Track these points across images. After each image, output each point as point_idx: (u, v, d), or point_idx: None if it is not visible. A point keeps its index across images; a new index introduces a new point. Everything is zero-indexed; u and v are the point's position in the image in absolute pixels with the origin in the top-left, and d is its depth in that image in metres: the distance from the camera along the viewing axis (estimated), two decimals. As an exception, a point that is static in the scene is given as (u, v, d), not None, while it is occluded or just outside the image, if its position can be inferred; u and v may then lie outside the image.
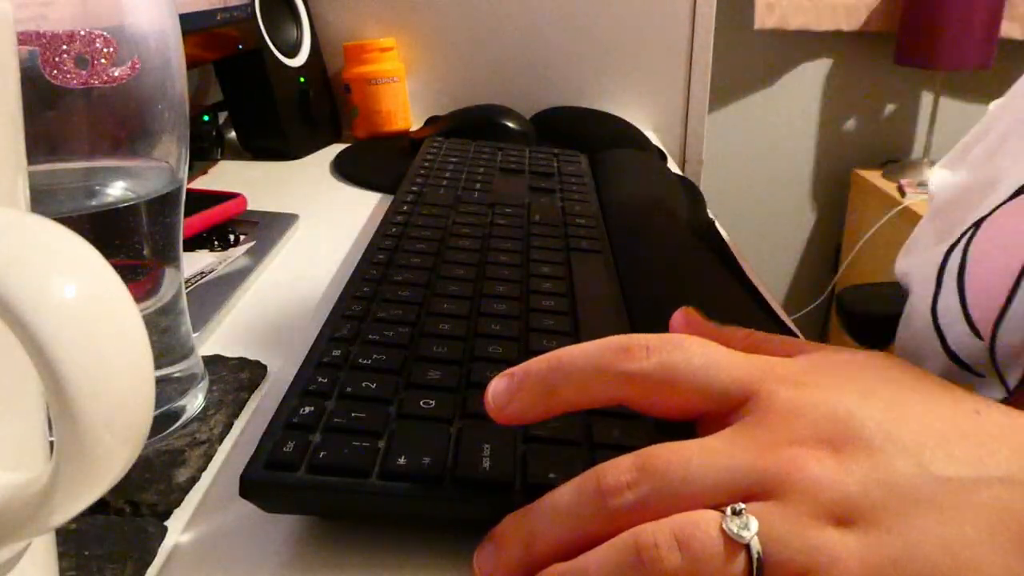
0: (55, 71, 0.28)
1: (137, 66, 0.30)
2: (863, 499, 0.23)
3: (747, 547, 0.22)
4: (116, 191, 0.31)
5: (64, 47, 0.28)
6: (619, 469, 0.24)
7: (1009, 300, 0.44)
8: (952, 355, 0.46)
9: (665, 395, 0.26)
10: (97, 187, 0.31)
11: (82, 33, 0.28)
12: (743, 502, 0.23)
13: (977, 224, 0.49)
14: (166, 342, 0.34)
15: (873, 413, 0.24)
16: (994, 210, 0.48)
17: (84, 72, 0.28)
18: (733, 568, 0.22)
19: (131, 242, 0.31)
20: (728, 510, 0.23)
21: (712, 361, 0.26)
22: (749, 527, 0.22)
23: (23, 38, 0.27)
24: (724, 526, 0.22)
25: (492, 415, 0.27)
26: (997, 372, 0.44)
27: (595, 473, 0.25)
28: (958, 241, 0.50)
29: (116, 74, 0.29)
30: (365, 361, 0.33)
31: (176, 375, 0.34)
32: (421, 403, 0.30)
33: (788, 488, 0.23)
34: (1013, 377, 0.43)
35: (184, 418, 0.34)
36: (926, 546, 0.22)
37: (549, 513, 0.25)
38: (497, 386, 0.27)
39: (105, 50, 0.29)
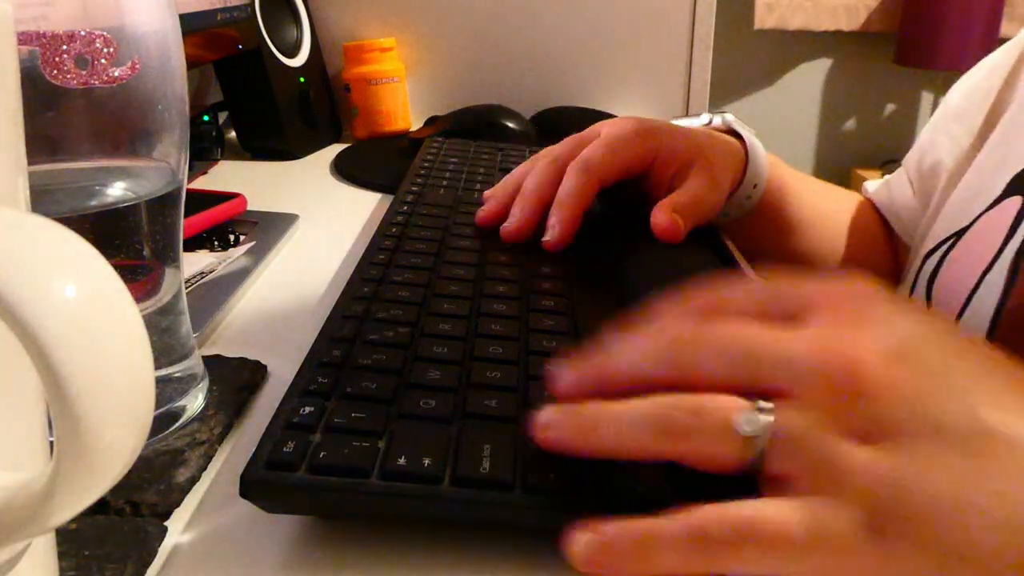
0: (55, 71, 0.28)
1: (137, 66, 0.30)
2: (898, 422, 0.23)
3: (754, 439, 0.24)
4: (116, 191, 0.31)
5: (64, 47, 0.28)
6: (692, 330, 0.27)
7: (969, 298, 0.44)
8: None
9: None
10: (97, 187, 0.31)
11: (82, 33, 0.28)
12: (786, 393, 0.25)
13: (959, 234, 0.49)
14: (166, 342, 0.34)
15: (943, 349, 0.25)
16: (975, 220, 0.48)
17: (84, 72, 0.28)
18: (732, 450, 0.24)
19: (131, 242, 0.31)
20: (756, 404, 0.25)
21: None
22: (755, 424, 0.24)
23: (23, 38, 0.27)
24: (735, 417, 0.24)
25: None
26: None
27: (670, 326, 0.28)
28: (937, 247, 0.50)
29: (116, 74, 0.29)
30: (365, 361, 0.33)
31: (176, 375, 0.34)
32: (421, 403, 0.30)
33: (830, 391, 0.24)
34: None
35: (184, 418, 0.34)
36: (941, 480, 0.22)
37: (625, 350, 0.28)
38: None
39: (105, 50, 0.29)
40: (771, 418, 0.24)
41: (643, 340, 0.28)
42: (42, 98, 0.28)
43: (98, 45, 0.28)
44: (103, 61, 0.29)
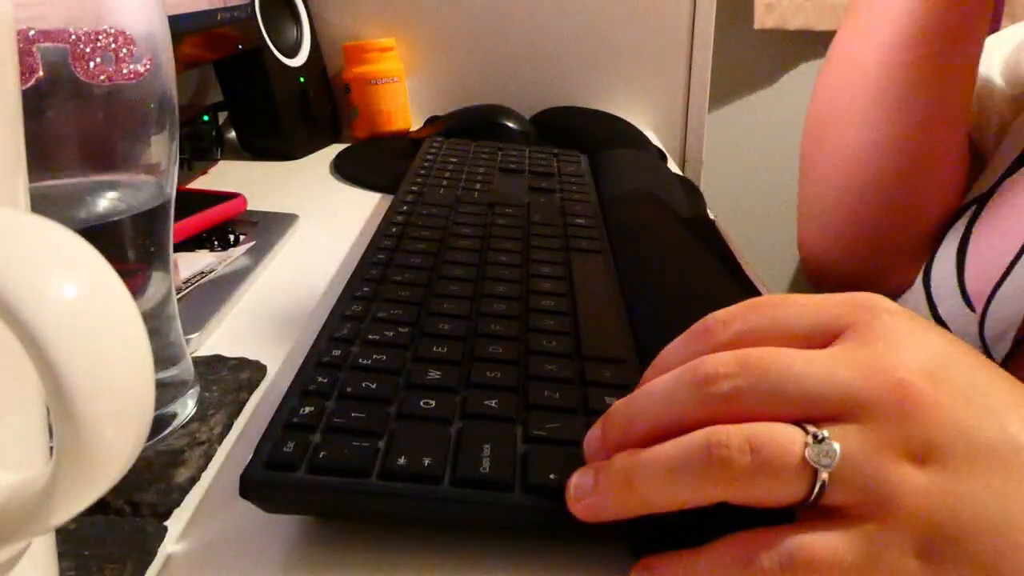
0: (82, 69, 0.28)
1: (150, 64, 0.30)
2: (943, 443, 0.23)
3: (816, 470, 0.23)
4: (105, 202, 0.31)
5: (91, 46, 0.28)
6: (719, 361, 0.25)
7: (1005, 275, 0.44)
8: (943, 326, 0.46)
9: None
10: (86, 198, 0.31)
11: (111, 30, 0.28)
12: (834, 420, 0.23)
13: (978, 201, 0.48)
14: (153, 347, 0.33)
15: (968, 368, 0.24)
16: (993, 187, 0.47)
17: (111, 68, 0.29)
18: (796, 486, 0.23)
19: (116, 250, 0.31)
20: (812, 433, 0.23)
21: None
22: (831, 455, 0.23)
23: (56, 36, 0.27)
24: (807, 452, 0.23)
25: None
26: (985, 347, 0.44)
27: (698, 362, 0.25)
28: (958, 217, 0.50)
29: (140, 69, 0.29)
30: (365, 361, 0.33)
31: (165, 380, 0.34)
32: (421, 403, 0.30)
33: (882, 413, 0.23)
34: (999, 352, 0.43)
35: (175, 424, 0.34)
36: (985, 499, 0.22)
37: (651, 396, 0.26)
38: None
39: (124, 49, 0.29)
40: (839, 445, 0.23)
41: (670, 380, 0.26)
42: (33, 103, 0.28)
43: (120, 42, 0.29)
44: (124, 57, 0.29)
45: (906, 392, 0.23)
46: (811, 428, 0.23)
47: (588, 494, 0.25)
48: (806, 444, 0.23)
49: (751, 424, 0.24)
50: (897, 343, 0.24)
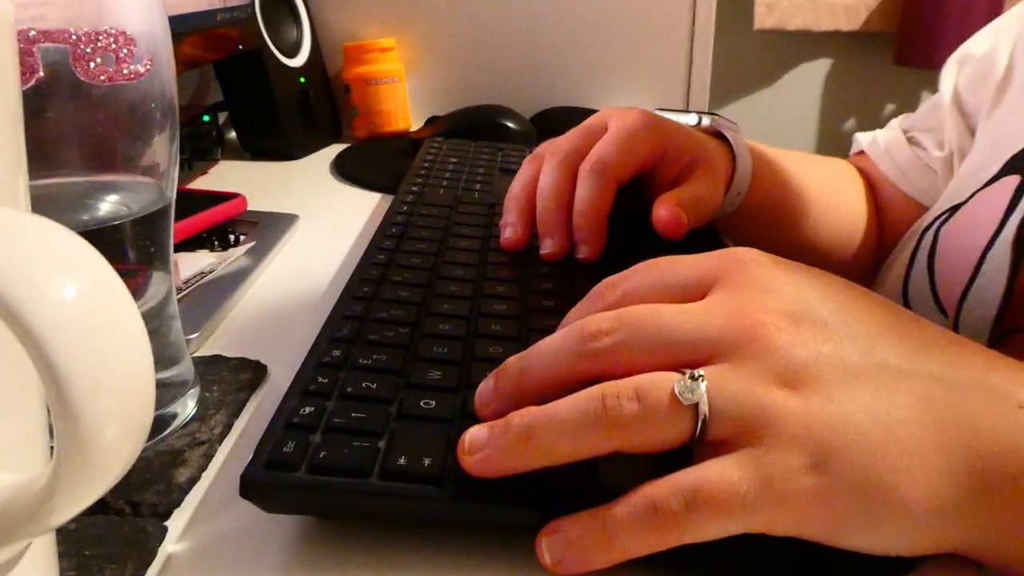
0: (83, 69, 0.28)
1: (149, 64, 0.30)
2: (811, 368, 0.25)
3: (696, 406, 0.25)
4: (106, 206, 0.31)
5: (91, 46, 0.28)
6: (600, 318, 0.28)
7: (973, 277, 0.45)
8: None
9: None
10: (87, 202, 0.31)
11: (111, 31, 0.28)
12: (707, 363, 0.26)
13: (953, 209, 0.49)
14: (153, 347, 0.33)
15: (833, 304, 0.27)
16: (970, 197, 0.48)
17: (111, 69, 0.29)
18: (680, 424, 0.25)
19: (117, 251, 0.31)
20: (687, 374, 0.25)
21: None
22: (696, 391, 0.25)
23: (56, 37, 0.27)
24: (676, 388, 0.25)
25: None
26: None
27: (583, 321, 0.28)
28: (932, 224, 0.50)
29: (140, 70, 0.29)
30: (365, 361, 0.33)
31: (165, 381, 0.34)
32: (421, 403, 0.30)
33: (747, 351, 0.26)
34: None
35: (175, 424, 0.34)
36: (860, 416, 0.25)
37: (541, 352, 0.28)
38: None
39: (124, 49, 0.29)
40: (706, 382, 0.25)
41: (558, 337, 0.28)
42: (34, 103, 0.28)
43: (120, 42, 0.29)
44: (124, 57, 0.29)
45: (766, 331, 0.26)
46: (686, 371, 0.26)
47: (482, 448, 0.26)
48: (677, 382, 0.25)
49: (638, 376, 0.26)
50: (761, 288, 0.27)
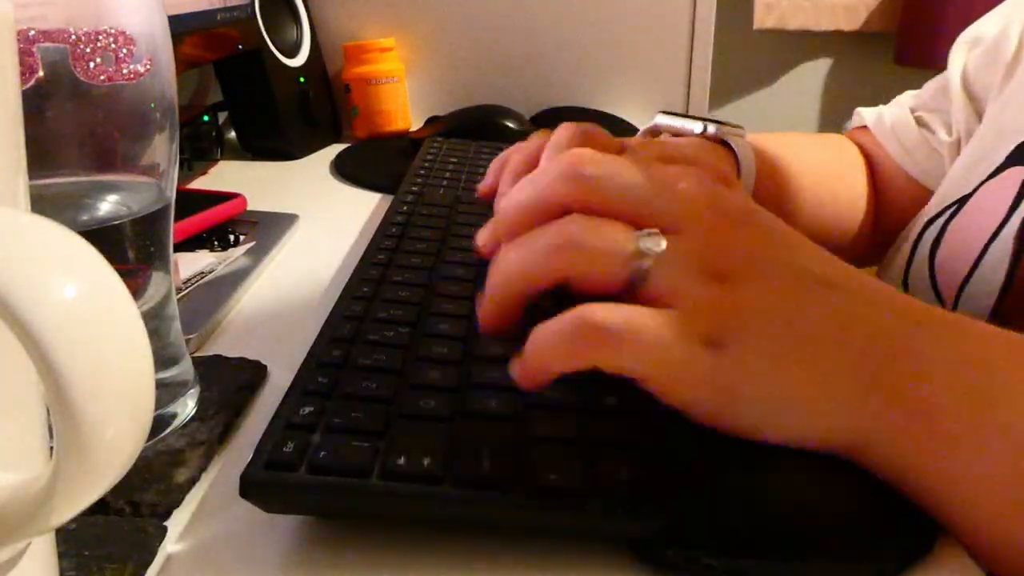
0: (83, 69, 0.28)
1: (149, 64, 0.30)
2: (736, 267, 0.28)
3: (641, 265, 0.28)
4: (106, 206, 0.31)
5: (91, 46, 0.28)
6: (585, 151, 0.31)
7: (974, 268, 0.45)
8: None
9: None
10: (87, 198, 0.31)
11: (111, 30, 0.28)
12: (658, 227, 0.29)
13: (961, 202, 0.49)
14: (153, 346, 0.33)
15: (778, 223, 0.31)
16: (977, 188, 0.48)
17: (111, 69, 0.28)
18: (628, 269, 0.28)
19: (116, 251, 0.31)
20: (655, 232, 0.29)
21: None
22: (654, 250, 0.28)
23: (55, 36, 0.27)
24: (640, 241, 0.28)
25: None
26: None
27: (571, 151, 0.32)
28: (939, 215, 0.50)
29: (140, 69, 0.29)
30: (365, 361, 0.33)
31: (165, 381, 0.34)
32: (421, 403, 0.30)
33: (694, 236, 0.29)
34: None
35: (175, 424, 0.34)
36: (765, 305, 0.28)
37: (530, 179, 0.32)
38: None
39: (124, 49, 0.29)
40: (664, 244, 0.28)
41: (544, 162, 0.33)
42: (35, 103, 0.28)
43: (120, 42, 0.29)
44: (124, 57, 0.29)
45: (716, 225, 0.29)
46: (645, 228, 0.29)
47: (486, 291, 0.32)
48: (639, 237, 0.29)
49: (606, 219, 0.29)
50: (729, 194, 0.31)
